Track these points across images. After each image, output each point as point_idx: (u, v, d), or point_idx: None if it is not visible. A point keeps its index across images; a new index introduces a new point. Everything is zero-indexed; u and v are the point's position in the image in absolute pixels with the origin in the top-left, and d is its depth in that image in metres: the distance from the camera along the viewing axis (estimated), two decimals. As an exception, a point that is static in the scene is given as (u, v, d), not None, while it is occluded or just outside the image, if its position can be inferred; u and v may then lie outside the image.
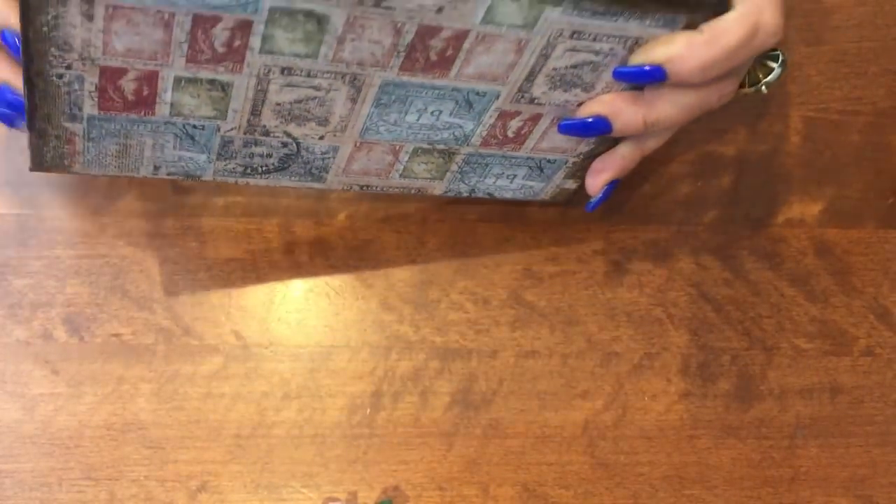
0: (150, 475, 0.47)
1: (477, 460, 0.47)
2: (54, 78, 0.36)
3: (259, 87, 0.38)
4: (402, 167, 0.43)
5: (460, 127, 0.41)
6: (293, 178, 0.43)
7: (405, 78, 0.38)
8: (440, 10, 0.35)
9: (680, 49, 0.37)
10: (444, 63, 0.37)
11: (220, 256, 0.48)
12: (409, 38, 0.36)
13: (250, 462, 0.47)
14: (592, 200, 0.44)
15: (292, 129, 0.40)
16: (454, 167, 0.44)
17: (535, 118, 0.41)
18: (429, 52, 0.37)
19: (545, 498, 0.46)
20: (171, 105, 0.38)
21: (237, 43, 0.35)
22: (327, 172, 0.43)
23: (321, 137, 0.41)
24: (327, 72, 0.37)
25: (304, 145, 0.41)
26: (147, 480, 0.47)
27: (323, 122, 0.40)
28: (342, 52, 0.36)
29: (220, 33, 0.35)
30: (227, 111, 0.39)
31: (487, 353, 0.48)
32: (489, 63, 0.37)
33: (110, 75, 0.36)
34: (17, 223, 0.49)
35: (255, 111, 0.39)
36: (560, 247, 0.49)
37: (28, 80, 0.36)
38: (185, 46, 0.35)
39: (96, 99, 0.37)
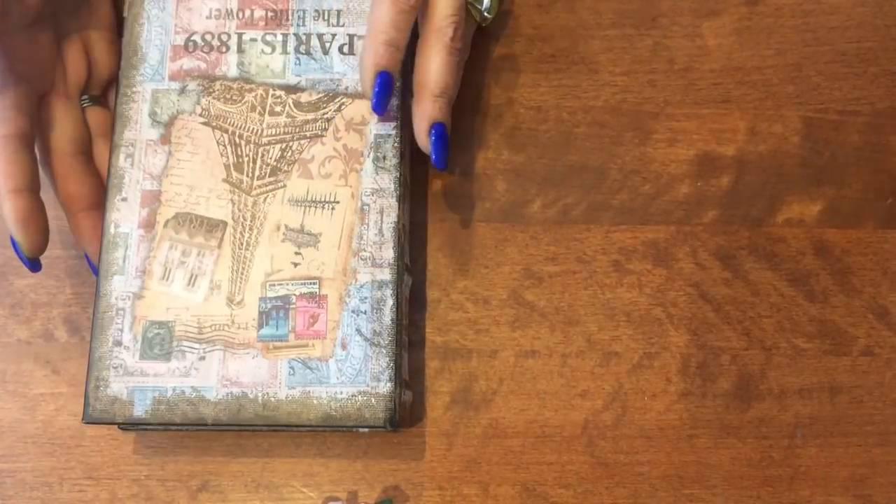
0: (150, 474, 0.47)
1: (477, 460, 0.47)
2: None
3: None
4: None
5: None
6: None
7: None
8: None
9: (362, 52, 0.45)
10: None
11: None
12: None
13: (251, 461, 0.47)
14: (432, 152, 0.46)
15: None
16: None
17: None
18: None
19: (545, 497, 0.46)
20: None
21: None
22: None
23: None
24: None
25: None
26: (148, 480, 0.47)
27: None
28: None
29: None
30: None
31: (487, 353, 0.48)
32: None
33: None
34: (18, 223, 0.49)
35: None
36: (560, 247, 0.49)
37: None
38: None
39: None
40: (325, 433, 0.47)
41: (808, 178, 0.51)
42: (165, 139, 0.47)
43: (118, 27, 0.49)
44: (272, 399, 0.44)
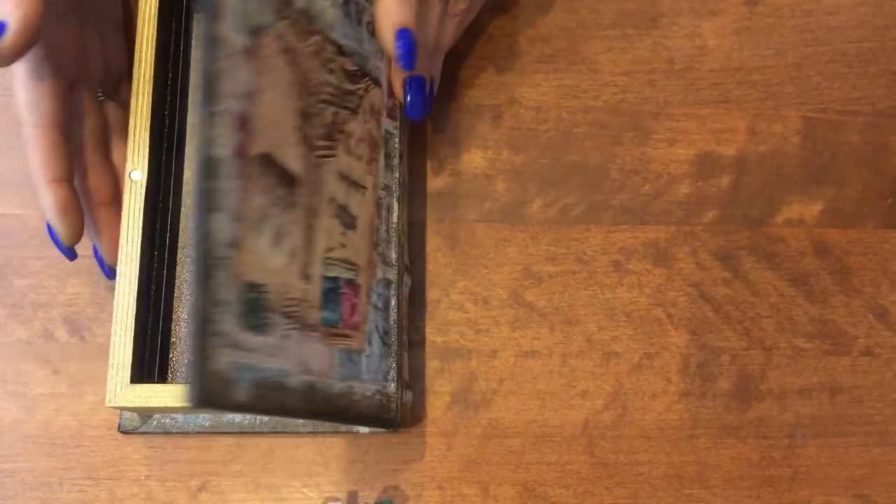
0: (150, 475, 0.47)
1: (477, 460, 0.47)
2: None
3: None
4: None
5: None
6: None
7: None
8: None
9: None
10: None
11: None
12: None
13: (251, 461, 0.47)
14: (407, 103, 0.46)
15: None
16: None
17: None
18: None
19: (545, 497, 0.46)
20: None
21: None
22: None
23: None
24: None
25: None
26: (148, 480, 0.47)
27: None
28: None
29: None
30: None
31: (487, 353, 0.48)
32: None
33: None
34: (17, 223, 0.49)
35: None
36: (560, 247, 0.49)
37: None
38: None
39: None
40: (326, 433, 0.47)
41: (808, 178, 0.51)
42: (251, 53, 0.38)
43: (126, 23, 0.49)
44: (330, 391, 0.38)
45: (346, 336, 0.41)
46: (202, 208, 0.35)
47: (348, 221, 0.41)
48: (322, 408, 0.39)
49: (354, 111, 0.43)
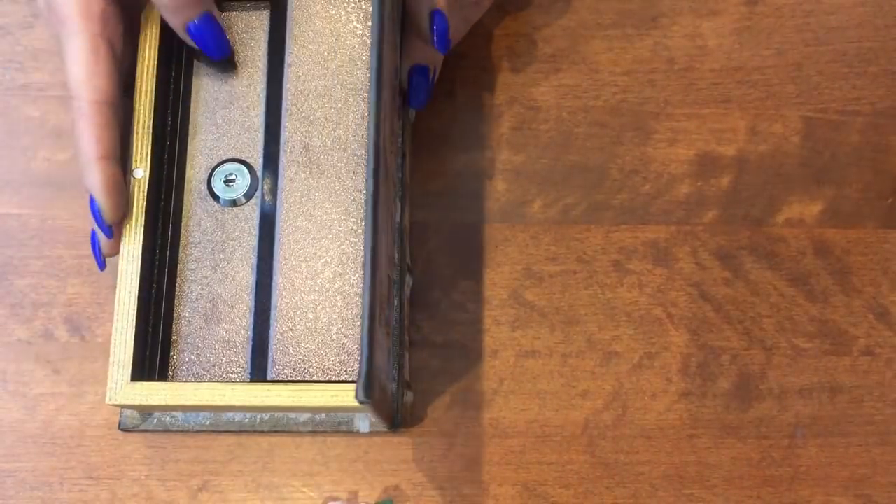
0: (151, 474, 0.47)
1: (477, 460, 0.47)
2: None
3: None
4: None
5: None
6: None
7: None
8: None
9: None
10: None
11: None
12: None
13: (251, 461, 0.47)
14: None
15: None
16: None
17: None
18: None
19: (545, 497, 0.46)
20: None
21: None
22: None
23: None
24: None
25: None
26: (148, 480, 0.47)
27: None
28: None
29: None
30: None
31: (487, 353, 0.48)
32: None
33: None
34: (18, 223, 0.49)
35: None
36: (560, 247, 0.49)
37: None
38: None
39: None
40: (326, 433, 0.47)
41: (808, 178, 0.51)
42: (386, 40, 0.39)
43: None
44: (387, 390, 0.38)
45: (388, 334, 0.41)
46: (375, 198, 0.35)
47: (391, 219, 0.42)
48: (384, 408, 0.39)
49: (396, 108, 0.44)
